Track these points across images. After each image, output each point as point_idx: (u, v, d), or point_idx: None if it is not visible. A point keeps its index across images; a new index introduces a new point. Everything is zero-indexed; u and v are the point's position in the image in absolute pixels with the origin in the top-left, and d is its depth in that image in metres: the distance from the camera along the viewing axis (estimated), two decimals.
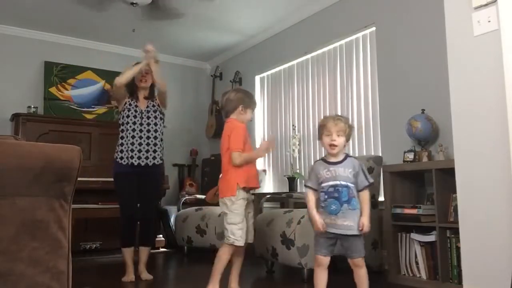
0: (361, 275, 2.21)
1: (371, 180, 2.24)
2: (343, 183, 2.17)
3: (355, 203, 2.17)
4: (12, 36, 4.96)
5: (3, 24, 4.86)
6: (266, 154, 5.08)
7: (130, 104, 3.35)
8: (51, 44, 5.18)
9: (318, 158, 2.40)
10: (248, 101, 2.72)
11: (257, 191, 4.64)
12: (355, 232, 2.15)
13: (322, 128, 2.25)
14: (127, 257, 3.23)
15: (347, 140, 2.25)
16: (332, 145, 2.19)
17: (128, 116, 3.31)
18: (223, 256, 2.56)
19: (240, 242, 2.55)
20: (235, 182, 2.57)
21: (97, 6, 4.41)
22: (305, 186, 2.32)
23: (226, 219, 2.58)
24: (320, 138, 2.27)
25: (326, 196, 2.18)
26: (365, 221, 2.15)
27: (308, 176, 2.35)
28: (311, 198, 2.25)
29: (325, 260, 2.20)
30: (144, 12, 4.49)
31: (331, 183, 2.18)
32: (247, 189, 2.62)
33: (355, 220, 2.15)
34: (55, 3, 4.36)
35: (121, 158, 3.27)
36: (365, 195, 2.22)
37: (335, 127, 2.19)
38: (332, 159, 2.24)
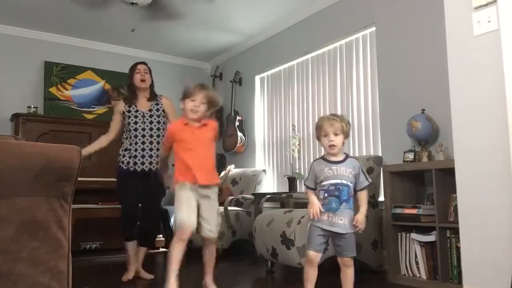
0: (349, 275, 2.24)
1: (370, 180, 2.29)
2: (344, 182, 2.20)
3: (352, 202, 2.22)
4: (12, 36, 4.96)
5: (3, 24, 4.86)
6: (264, 155, 5.11)
7: (129, 111, 3.29)
8: (51, 44, 5.18)
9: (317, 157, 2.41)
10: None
11: (257, 191, 4.66)
12: (350, 231, 2.19)
13: (319, 129, 2.28)
14: (130, 252, 3.23)
15: (346, 137, 2.27)
16: (331, 146, 2.22)
17: (129, 124, 3.27)
18: None
19: None
20: None
21: (97, 6, 4.40)
22: (305, 185, 2.33)
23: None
24: (318, 139, 2.30)
25: (326, 194, 2.20)
26: (361, 218, 2.19)
27: (307, 175, 2.36)
28: (312, 195, 2.26)
29: (317, 256, 2.21)
30: (144, 12, 4.49)
31: (332, 181, 2.20)
32: None
33: (350, 219, 2.20)
34: (55, 3, 4.36)
35: (122, 162, 3.26)
36: (364, 194, 2.27)
37: (331, 128, 2.21)
38: (333, 158, 2.26)
